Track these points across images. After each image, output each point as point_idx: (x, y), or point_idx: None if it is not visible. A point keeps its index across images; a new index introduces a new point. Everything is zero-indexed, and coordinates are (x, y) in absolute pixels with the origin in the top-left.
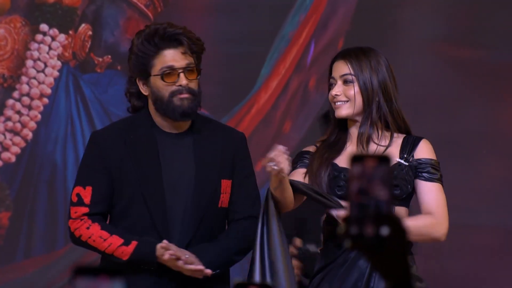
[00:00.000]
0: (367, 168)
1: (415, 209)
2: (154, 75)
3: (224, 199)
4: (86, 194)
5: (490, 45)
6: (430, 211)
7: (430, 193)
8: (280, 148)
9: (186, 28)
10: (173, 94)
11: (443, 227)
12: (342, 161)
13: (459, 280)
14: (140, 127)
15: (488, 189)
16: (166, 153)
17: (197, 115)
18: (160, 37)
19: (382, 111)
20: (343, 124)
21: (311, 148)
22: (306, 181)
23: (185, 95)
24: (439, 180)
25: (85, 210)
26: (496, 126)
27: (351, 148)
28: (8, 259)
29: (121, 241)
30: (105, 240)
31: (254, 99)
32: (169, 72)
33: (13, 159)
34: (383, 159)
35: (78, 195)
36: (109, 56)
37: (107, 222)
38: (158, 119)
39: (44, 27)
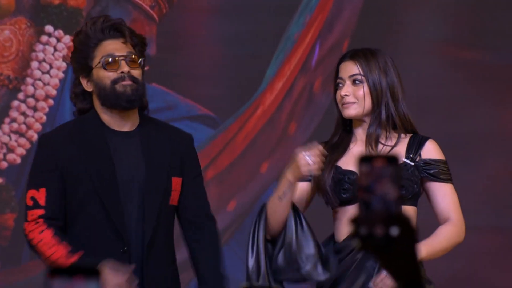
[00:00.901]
0: (376, 168)
1: (424, 209)
2: (96, 67)
3: (174, 197)
4: (41, 196)
5: (494, 47)
6: (448, 217)
7: (446, 196)
8: (320, 148)
9: (121, 20)
10: (115, 81)
11: (463, 229)
12: (346, 162)
13: (460, 282)
14: (89, 126)
15: (491, 190)
16: (116, 151)
17: (144, 115)
18: (99, 29)
19: (390, 112)
20: (347, 125)
21: None
22: (309, 191)
23: (127, 82)
24: (451, 180)
25: (41, 212)
26: (500, 128)
27: (356, 148)
28: (14, 260)
29: (68, 249)
30: (50, 247)
31: (259, 101)
32: (110, 60)
33: (18, 160)
34: (392, 159)
35: (32, 198)
36: None
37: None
38: (105, 116)
39: (49, 28)
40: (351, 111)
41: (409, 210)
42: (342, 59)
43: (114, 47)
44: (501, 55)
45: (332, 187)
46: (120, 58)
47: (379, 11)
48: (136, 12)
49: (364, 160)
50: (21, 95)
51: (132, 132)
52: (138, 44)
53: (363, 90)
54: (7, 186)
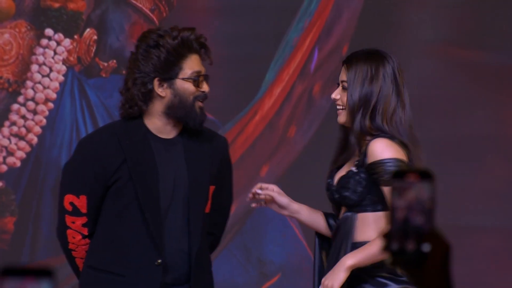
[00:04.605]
0: (408, 183)
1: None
2: (183, 79)
3: (208, 205)
4: (82, 204)
5: (495, 47)
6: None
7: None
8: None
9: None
10: (196, 98)
11: None
12: (339, 173)
13: (465, 284)
14: (135, 132)
15: (493, 191)
16: (160, 158)
17: None
18: (192, 41)
19: (363, 123)
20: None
21: None
22: None
23: (201, 104)
24: (387, 180)
25: (84, 220)
26: (502, 129)
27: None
28: (13, 263)
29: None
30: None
31: (258, 105)
32: (199, 77)
33: (18, 163)
34: (425, 173)
35: (72, 204)
36: (114, 61)
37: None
38: (157, 122)
39: (49, 31)
40: (341, 118)
41: (365, 217)
42: (345, 59)
43: (198, 63)
44: (502, 55)
45: (326, 190)
46: (203, 77)
47: (378, 12)
48: (136, 16)
49: (397, 174)
50: (21, 98)
51: (175, 139)
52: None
53: (346, 98)
54: (7, 189)
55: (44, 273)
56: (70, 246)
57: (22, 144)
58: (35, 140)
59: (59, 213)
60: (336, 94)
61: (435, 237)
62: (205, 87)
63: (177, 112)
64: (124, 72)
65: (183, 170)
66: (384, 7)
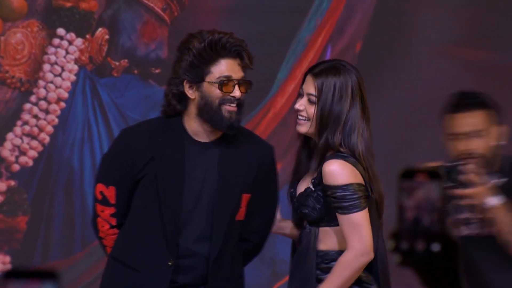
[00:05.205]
0: (417, 183)
1: None
2: (210, 82)
3: (241, 213)
4: (110, 194)
5: (506, 47)
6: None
7: (342, 228)
8: None
9: (243, 41)
10: (223, 102)
11: (358, 253)
12: (300, 184)
13: None
14: (170, 131)
15: None
16: (191, 161)
17: None
18: (222, 45)
19: (328, 139)
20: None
21: None
22: None
23: (233, 108)
24: (341, 208)
25: (112, 210)
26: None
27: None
28: (25, 263)
29: None
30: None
31: (270, 104)
32: (227, 82)
33: (30, 163)
34: (434, 174)
35: (102, 193)
36: (126, 60)
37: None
38: (194, 124)
39: (61, 31)
40: (302, 128)
41: (330, 230)
42: (309, 70)
43: (231, 68)
44: None
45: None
46: (235, 82)
47: (390, 13)
48: (148, 15)
49: (406, 174)
50: (33, 98)
51: (212, 143)
52: (250, 68)
53: (314, 110)
54: (19, 189)
55: (49, 275)
56: (100, 234)
57: (34, 143)
58: (47, 139)
59: (92, 200)
60: (301, 105)
61: (444, 237)
62: (235, 92)
63: (204, 114)
64: (136, 71)
65: (214, 175)
66: (396, 7)
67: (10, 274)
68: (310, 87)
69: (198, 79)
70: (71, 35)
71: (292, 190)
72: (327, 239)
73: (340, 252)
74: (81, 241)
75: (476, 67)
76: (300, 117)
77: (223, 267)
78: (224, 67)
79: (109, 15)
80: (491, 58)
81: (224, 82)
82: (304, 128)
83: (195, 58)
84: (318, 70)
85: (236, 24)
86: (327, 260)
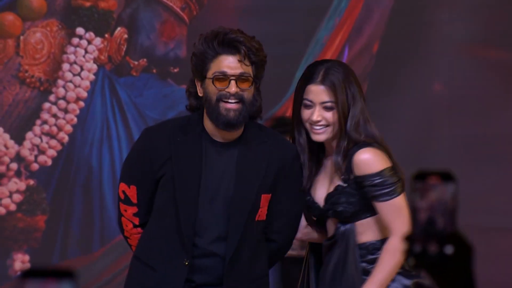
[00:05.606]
0: (430, 185)
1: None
2: (208, 78)
3: (262, 213)
4: (132, 193)
5: None
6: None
7: (383, 216)
8: None
9: (249, 37)
10: (220, 99)
11: (397, 250)
12: (317, 189)
13: (487, 285)
14: (191, 131)
15: None
16: (208, 161)
17: (252, 123)
18: (218, 41)
19: (355, 137)
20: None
21: None
22: None
23: (231, 105)
24: (382, 196)
25: (134, 209)
26: None
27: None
28: (44, 262)
29: None
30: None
31: (289, 103)
32: (221, 78)
33: (49, 162)
34: (447, 176)
35: (124, 192)
36: (145, 60)
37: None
38: (209, 125)
39: (80, 30)
40: (322, 136)
41: (366, 222)
42: (311, 81)
43: (227, 65)
44: None
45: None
46: (231, 77)
47: (409, 12)
48: (167, 14)
49: (419, 176)
50: (52, 97)
51: (231, 143)
52: (257, 61)
53: (333, 114)
54: (38, 188)
55: (66, 274)
56: (125, 233)
57: (53, 142)
58: (66, 138)
59: (116, 200)
60: (318, 116)
61: (458, 239)
62: (231, 88)
63: (208, 112)
64: (154, 70)
65: (231, 175)
66: (415, 5)
67: (28, 274)
68: (321, 95)
69: (202, 77)
70: (90, 35)
71: (309, 197)
72: (367, 231)
73: (383, 240)
74: (99, 239)
75: (496, 66)
76: (317, 127)
77: (240, 267)
78: (221, 63)
79: (128, 14)
80: (511, 58)
81: (217, 77)
82: (325, 135)
83: (196, 56)
84: (323, 78)
85: (255, 24)
86: (374, 250)
